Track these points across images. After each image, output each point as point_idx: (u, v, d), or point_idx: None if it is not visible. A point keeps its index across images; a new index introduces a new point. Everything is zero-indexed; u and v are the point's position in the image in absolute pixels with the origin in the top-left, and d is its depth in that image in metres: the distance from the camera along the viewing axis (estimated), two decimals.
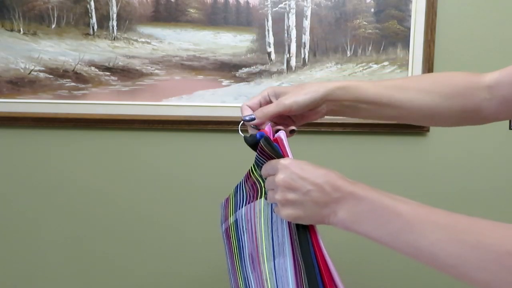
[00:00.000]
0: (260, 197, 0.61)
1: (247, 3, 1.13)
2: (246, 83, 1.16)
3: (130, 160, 1.21)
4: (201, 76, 1.16)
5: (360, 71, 1.15)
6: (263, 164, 0.59)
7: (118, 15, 1.14)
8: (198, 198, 1.21)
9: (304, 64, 1.15)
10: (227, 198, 0.72)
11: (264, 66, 1.15)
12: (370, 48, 1.14)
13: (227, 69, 1.15)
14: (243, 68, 1.15)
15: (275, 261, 0.57)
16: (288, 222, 0.56)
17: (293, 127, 0.64)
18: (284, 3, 1.13)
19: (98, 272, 1.25)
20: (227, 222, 0.69)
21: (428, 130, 1.17)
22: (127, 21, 1.14)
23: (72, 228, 1.23)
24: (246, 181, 0.66)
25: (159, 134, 1.19)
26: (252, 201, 0.63)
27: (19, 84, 1.17)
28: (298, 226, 0.55)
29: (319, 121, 1.14)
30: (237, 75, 1.16)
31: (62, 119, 1.17)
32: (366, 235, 0.50)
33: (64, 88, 1.17)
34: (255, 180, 0.64)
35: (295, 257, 0.55)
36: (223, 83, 1.16)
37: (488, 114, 0.63)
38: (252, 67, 1.15)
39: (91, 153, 1.20)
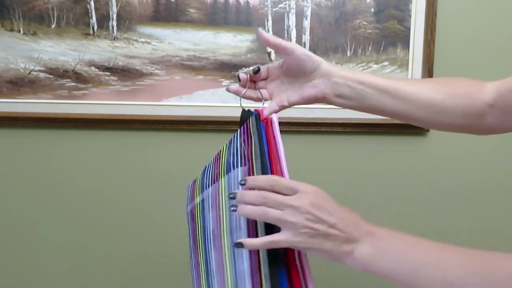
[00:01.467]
0: (223, 177, 0.63)
1: (247, 3, 1.13)
2: None
3: (130, 160, 1.21)
4: (201, 76, 1.16)
5: (360, 71, 1.15)
6: (237, 145, 0.61)
7: (118, 15, 1.14)
8: None
9: None
10: (194, 180, 0.74)
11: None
12: (370, 48, 1.14)
13: (227, 69, 1.15)
14: (243, 68, 1.15)
15: (232, 236, 0.59)
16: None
17: (258, 66, 0.66)
18: (284, 3, 1.13)
19: (99, 272, 1.25)
20: (193, 203, 0.71)
21: (428, 130, 1.17)
22: (127, 21, 1.14)
23: (72, 227, 1.23)
24: (216, 162, 0.68)
25: (159, 134, 1.19)
26: (217, 181, 0.64)
27: (19, 84, 1.17)
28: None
29: (319, 121, 1.15)
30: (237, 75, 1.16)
31: (62, 119, 1.17)
32: (385, 274, 0.51)
33: (64, 88, 1.17)
34: (222, 159, 0.65)
35: (249, 231, 0.56)
36: (223, 83, 1.16)
37: (491, 122, 0.63)
38: (252, 67, 1.15)
39: (91, 153, 1.20)
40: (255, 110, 0.64)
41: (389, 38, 1.14)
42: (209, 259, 0.64)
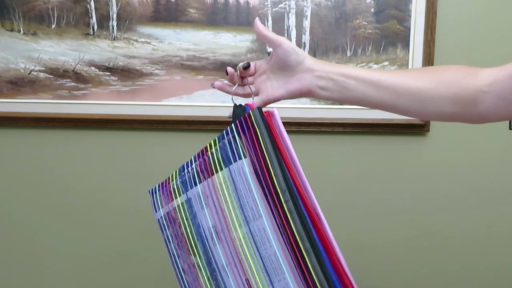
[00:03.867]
0: (217, 172, 0.64)
1: (247, 3, 1.13)
2: None
3: (130, 160, 1.21)
4: (201, 76, 1.16)
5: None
6: (234, 139, 0.61)
7: (118, 15, 1.14)
8: None
9: None
10: (163, 185, 0.74)
11: None
12: (370, 48, 1.14)
13: None
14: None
15: (250, 226, 0.60)
16: (260, 183, 0.58)
17: (248, 62, 0.68)
18: (284, 3, 1.13)
19: (99, 273, 1.25)
20: (170, 206, 0.71)
21: (428, 130, 1.17)
22: (127, 21, 1.14)
23: (72, 227, 1.23)
24: (197, 160, 0.68)
25: (159, 134, 1.19)
26: (208, 177, 0.65)
27: (19, 84, 1.17)
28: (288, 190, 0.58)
29: (319, 121, 1.15)
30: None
31: (62, 119, 1.17)
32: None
33: (64, 88, 1.17)
34: (211, 155, 0.66)
35: (271, 216, 0.58)
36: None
37: (485, 109, 0.61)
38: None
39: (91, 153, 1.20)
40: (246, 104, 0.65)
41: (389, 38, 1.14)
42: (212, 256, 0.65)
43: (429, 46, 1.12)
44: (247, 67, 0.67)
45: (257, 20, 0.66)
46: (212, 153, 0.66)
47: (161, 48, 1.15)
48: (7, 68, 1.16)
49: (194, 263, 0.68)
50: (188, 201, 0.68)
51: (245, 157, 0.61)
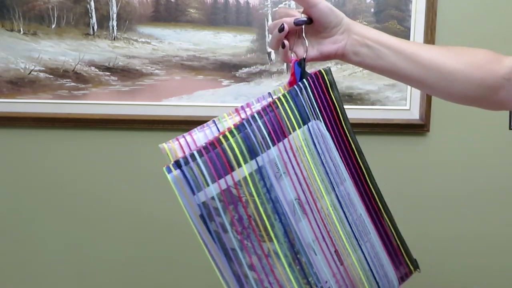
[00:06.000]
0: (294, 130, 0.53)
1: (247, 3, 1.13)
2: (246, 83, 1.16)
3: (130, 160, 1.21)
4: (201, 76, 1.16)
5: (360, 71, 1.15)
6: (307, 96, 0.57)
7: (118, 15, 1.14)
8: None
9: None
10: (206, 149, 0.49)
11: (264, 66, 1.15)
12: None
13: (227, 69, 1.15)
14: (243, 68, 1.15)
15: (336, 191, 0.57)
16: (339, 144, 0.59)
17: (307, 18, 0.61)
18: (284, 3, 1.13)
19: (99, 273, 1.25)
20: (228, 179, 0.50)
21: (428, 130, 1.17)
22: (127, 21, 1.14)
23: (72, 228, 1.23)
24: (262, 116, 0.53)
25: (159, 134, 1.19)
26: (283, 138, 0.52)
27: (19, 84, 1.17)
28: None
29: None
30: (237, 75, 1.16)
31: (62, 119, 1.17)
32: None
33: (64, 88, 1.17)
34: (283, 111, 0.54)
35: (352, 178, 0.60)
36: (223, 83, 1.16)
37: (505, 97, 0.62)
38: (252, 67, 1.15)
39: (91, 153, 1.20)
40: (296, 60, 0.61)
41: None
42: (295, 236, 0.52)
43: None
44: (308, 22, 0.62)
45: None
46: (284, 109, 0.54)
47: (161, 48, 1.15)
48: (7, 68, 1.16)
49: (269, 251, 0.51)
50: (259, 170, 0.51)
51: (322, 115, 0.57)
